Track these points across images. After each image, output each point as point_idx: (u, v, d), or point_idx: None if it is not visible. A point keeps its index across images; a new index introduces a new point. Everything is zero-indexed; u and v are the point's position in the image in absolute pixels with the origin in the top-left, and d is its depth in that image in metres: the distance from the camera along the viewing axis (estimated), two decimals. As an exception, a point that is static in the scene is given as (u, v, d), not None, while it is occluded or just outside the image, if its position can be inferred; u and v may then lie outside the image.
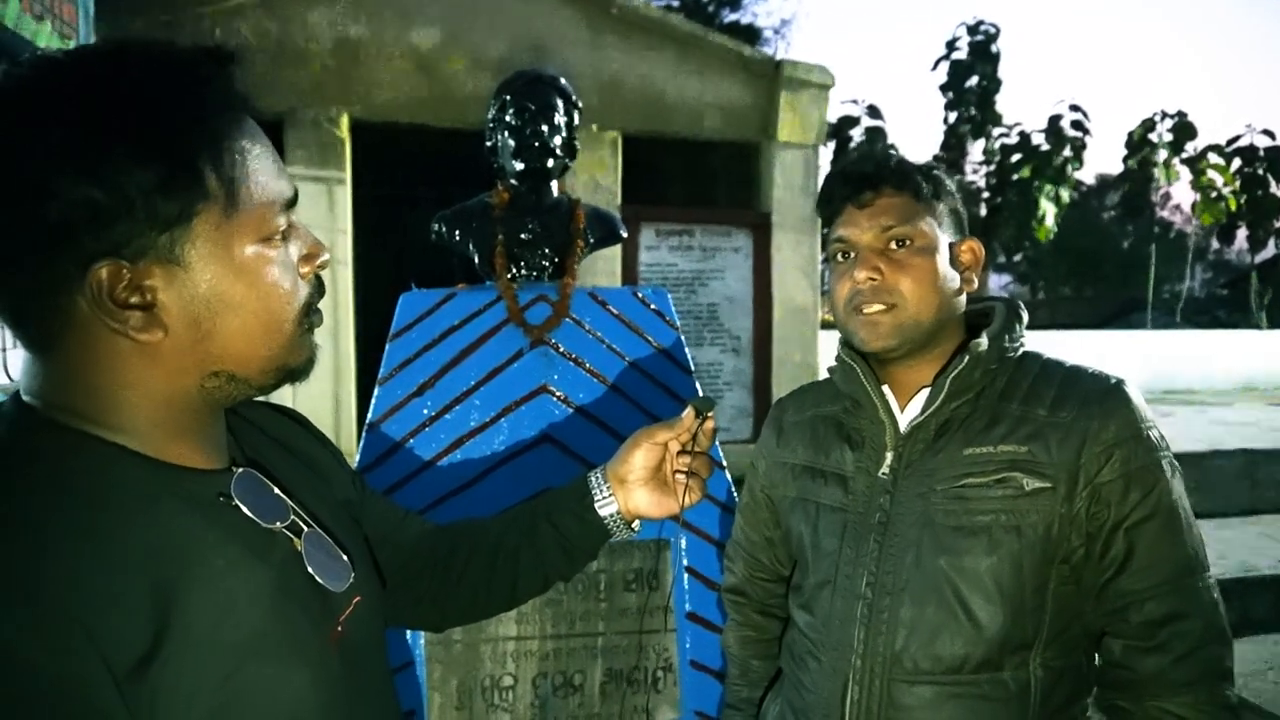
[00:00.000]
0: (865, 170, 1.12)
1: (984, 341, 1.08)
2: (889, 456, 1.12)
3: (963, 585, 1.03)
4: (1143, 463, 1.02)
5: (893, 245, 1.08)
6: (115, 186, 0.59)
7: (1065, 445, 1.03)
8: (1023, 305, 1.18)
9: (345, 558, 0.77)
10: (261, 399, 0.81)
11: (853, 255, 1.11)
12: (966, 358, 1.07)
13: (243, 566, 0.66)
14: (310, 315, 0.72)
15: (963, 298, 1.14)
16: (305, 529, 0.74)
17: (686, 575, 1.76)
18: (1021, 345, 1.13)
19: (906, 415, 1.13)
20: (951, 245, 1.12)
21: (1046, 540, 1.02)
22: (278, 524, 0.72)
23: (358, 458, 1.74)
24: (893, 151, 1.15)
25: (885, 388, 1.15)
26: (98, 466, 0.63)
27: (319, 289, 0.74)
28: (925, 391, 1.11)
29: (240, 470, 0.72)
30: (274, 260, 0.68)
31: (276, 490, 0.74)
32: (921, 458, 1.09)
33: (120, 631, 0.57)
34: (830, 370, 1.23)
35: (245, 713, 0.63)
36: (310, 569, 0.72)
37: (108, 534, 0.60)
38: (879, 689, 1.06)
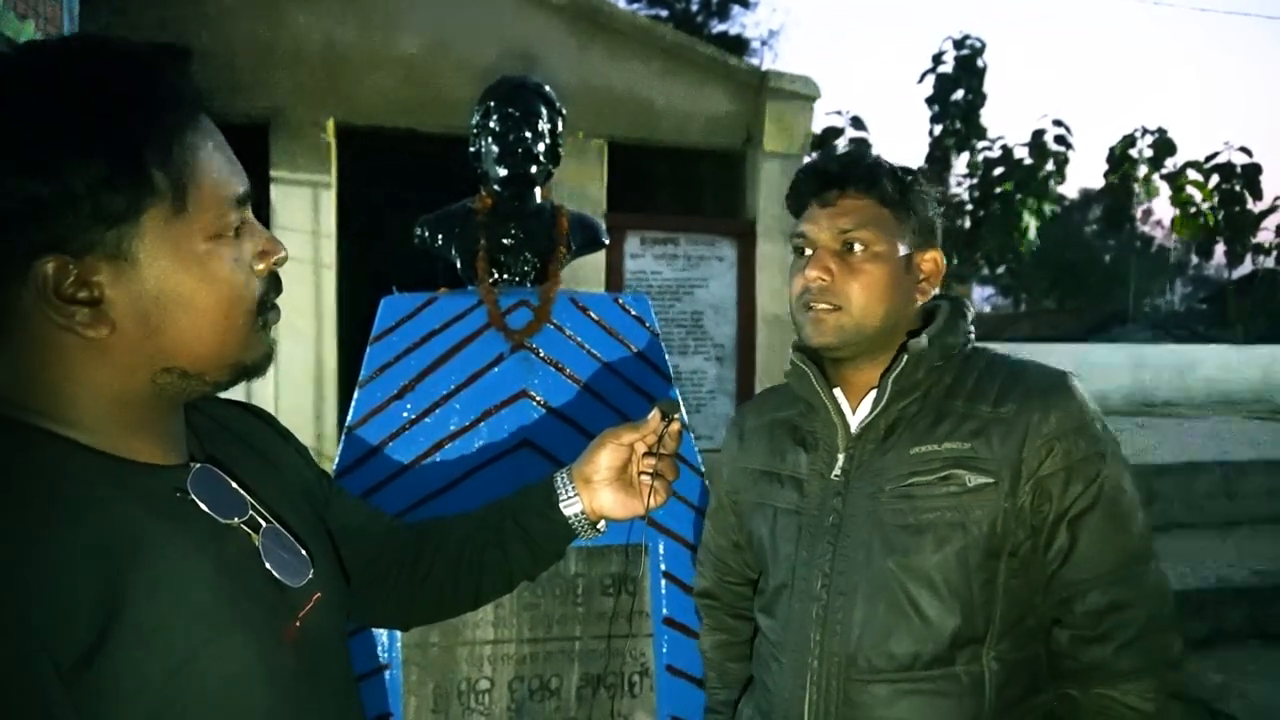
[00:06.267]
0: (831, 169, 1.12)
1: (922, 341, 1.10)
2: (841, 458, 1.13)
3: (911, 583, 1.04)
4: (1084, 454, 1.04)
5: (847, 247, 1.09)
6: (61, 181, 0.60)
7: (1007, 440, 1.04)
8: (969, 303, 1.19)
9: (305, 553, 0.77)
10: (227, 397, 0.82)
11: (809, 252, 1.12)
12: (905, 357, 1.09)
13: (196, 561, 0.67)
14: (265, 312, 0.72)
15: (915, 305, 1.14)
16: (264, 524, 0.74)
17: (664, 580, 1.77)
18: (968, 342, 1.15)
19: (857, 416, 1.14)
20: (912, 253, 1.12)
21: (991, 535, 1.03)
22: (235, 519, 0.72)
23: (336, 460, 1.74)
24: (868, 152, 1.15)
25: (837, 390, 1.17)
26: (47, 461, 0.64)
27: (275, 286, 0.74)
28: (874, 392, 1.13)
29: (198, 466, 0.72)
30: (226, 257, 0.68)
31: (235, 486, 0.74)
32: (871, 458, 1.10)
33: (65, 624, 0.57)
34: (786, 374, 1.24)
35: (195, 706, 0.63)
36: (268, 564, 0.73)
37: (55, 528, 0.60)
38: (836, 689, 1.07)
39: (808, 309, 1.10)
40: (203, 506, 0.70)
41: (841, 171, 1.11)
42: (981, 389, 1.09)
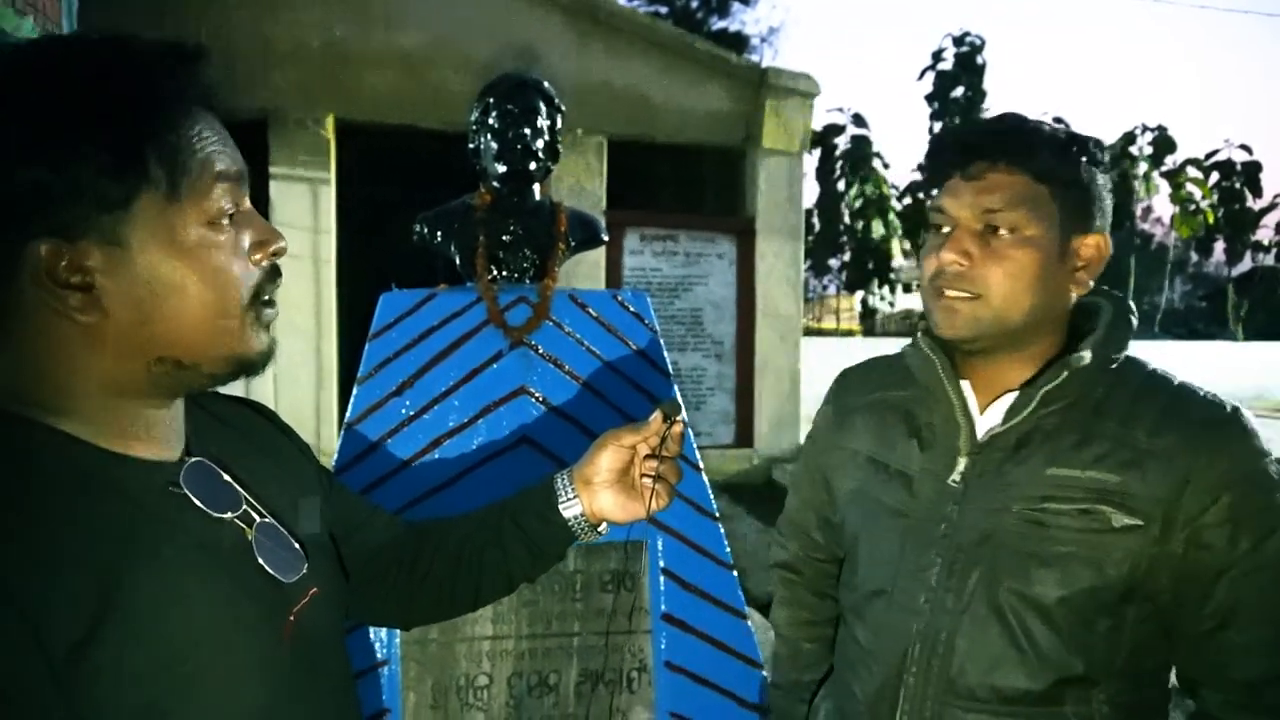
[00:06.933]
0: (982, 137, 0.98)
1: (1086, 356, 0.96)
2: (962, 462, 1.00)
3: (1029, 616, 0.94)
4: (1257, 506, 0.91)
5: (991, 229, 0.95)
6: (57, 167, 0.61)
7: (1165, 479, 0.91)
8: (1133, 306, 1.04)
9: (299, 549, 0.77)
10: (228, 393, 0.82)
11: (947, 229, 0.98)
12: (1065, 373, 0.95)
13: (189, 555, 0.67)
14: (260, 304, 0.72)
15: (1069, 298, 1.00)
16: (258, 519, 0.75)
17: (662, 576, 1.77)
18: (1125, 353, 1.00)
19: (986, 419, 1.02)
20: (1070, 237, 0.97)
21: (1130, 579, 0.92)
22: (229, 514, 0.72)
23: (335, 456, 1.74)
24: (1025, 119, 0.99)
25: (966, 384, 1.04)
26: (42, 455, 0.64)
27: (272, 278, 0.73)
28: (1010, 396, 1.00)
29: (192, 460, 0.72)
30: (220, 245, 0.68)
31: (230, 481, 0.74)
32: (998, 469, 0.98)
33: (56, 616, 0.58)
34: (904, 352, 1.11)
35: (187, 700, 0.63)
36: (260, 559, 0.73)
37: (47, 520, 0.61)
38: (930, 711, 0.99)
39: (939, 295, 0.98)
40: (195, 501, 0.70)
41: (992, 142, 0.96)
42: (1137, 412, 0.95)
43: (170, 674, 0.62)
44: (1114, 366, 0.99)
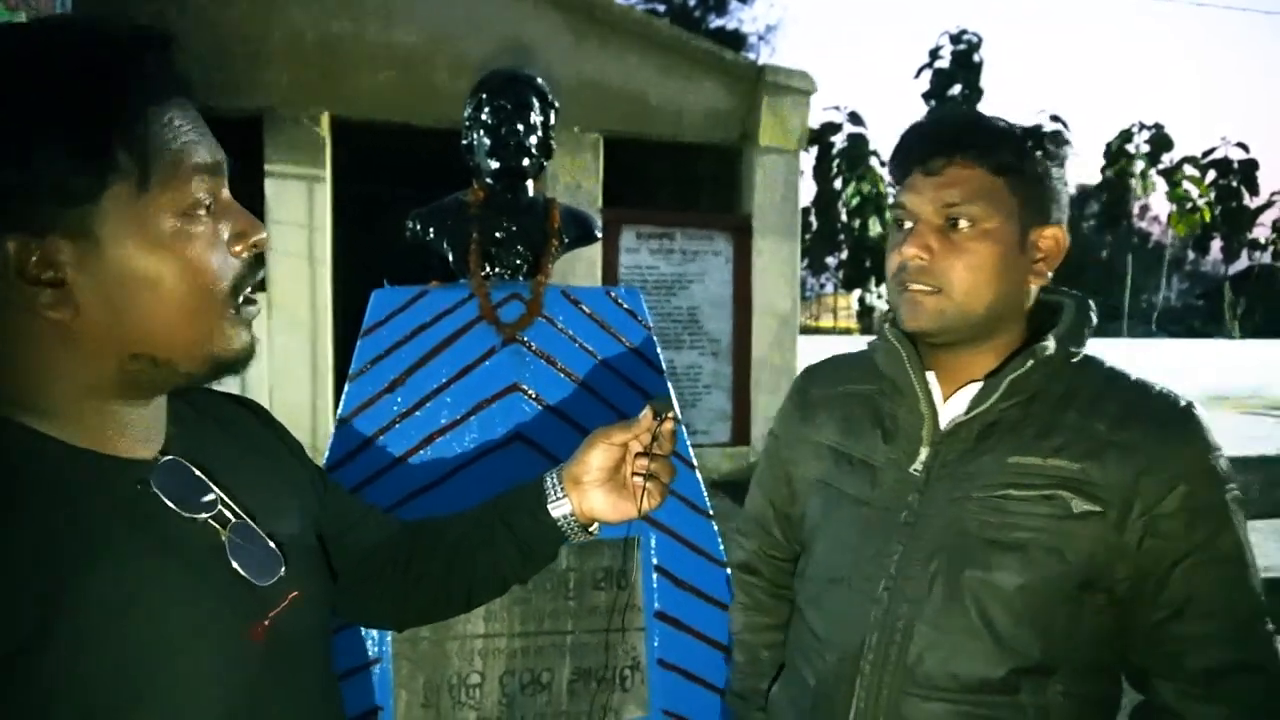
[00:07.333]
0: (940, 133, 1.00)
1: (1051, 345, 0.99)
2: (924, 452, 1.03)
3: (990, 603, 0.95)
4: (1211, 500, 0.94)
5: (952, 223, 0.97)
6: (21, 161, 0.59)
7: (1124, 468, 0.93)
8: (1093, 304, 1.07)
9: (277, 551, 0.75)
10: (220, 389, 0.80)
11: (909, 225, 1.00)
12: (1031, 362, 0.98)
13: (154, 557, 0.66)
14: (239, 299, 0.70)
15: (1030, 290, 1.03)
16: (233, 520, 0.73)
17: (655, 574, 1.77)
18: (1084, 350, 1.03)
19: (950, 409, 1.04)
20: (1029, 229, 0.99)
21: (1089, 567, 0.94)
22: (202, 515, 0.70)
23: (327, 454, 1.73)
24: (983, 112, 1.03)
25: (931, 375, 1.06)
26: (10, 450, 0.63)
27: (253, 270, 0.71)
28: (974, 386, 1.02)
29: (166, 459, 0.71)
30: (196, 236, 0.66)
31: (206, 480, 0.73)
32: (960, 458, 1.00)
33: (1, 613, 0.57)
34: (870, 345, 1.13)
35: (144, 705, 0.62)
36: (234, 562, 0.71)
37: (2, 519, 0.60)
38: (886, 699, 0.99)
39: (903, 289, 1.00)
40: (167, 501, 0.69)
41: (949, 137, 0.99)
42: (1099, 405, 0.97)
43: (125, 678, 0.61)
44: (1075, 361, 1.01)
